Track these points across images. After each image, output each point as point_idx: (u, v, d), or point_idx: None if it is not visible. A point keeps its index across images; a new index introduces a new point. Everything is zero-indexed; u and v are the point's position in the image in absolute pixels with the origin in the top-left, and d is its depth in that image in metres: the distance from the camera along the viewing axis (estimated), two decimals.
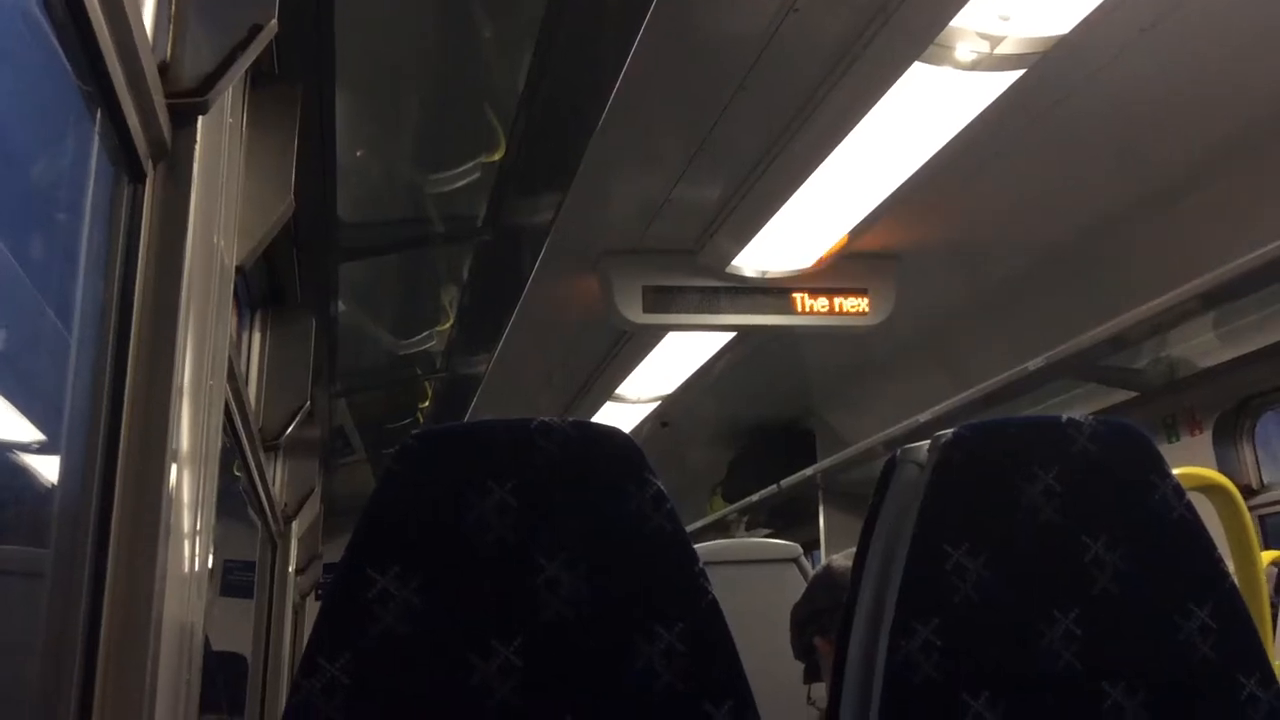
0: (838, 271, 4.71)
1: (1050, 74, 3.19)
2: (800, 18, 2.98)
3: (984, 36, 3.02)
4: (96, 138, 1.38)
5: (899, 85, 3.20)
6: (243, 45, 1.48)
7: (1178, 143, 3.67)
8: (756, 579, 3.50)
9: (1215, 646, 1.41)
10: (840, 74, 3.24)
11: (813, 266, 4.65)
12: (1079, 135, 3.65)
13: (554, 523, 1.36)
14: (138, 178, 1.43)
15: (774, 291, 4.76)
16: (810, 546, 7.33)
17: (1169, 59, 3.19)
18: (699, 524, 8.18)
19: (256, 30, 1.49)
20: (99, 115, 1.35)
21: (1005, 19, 2.95)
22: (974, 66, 3.12)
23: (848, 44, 3.11)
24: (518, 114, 3.02)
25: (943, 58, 3.09)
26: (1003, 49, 3.06)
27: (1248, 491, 4.16)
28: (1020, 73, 3.16)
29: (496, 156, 3.34)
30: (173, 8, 1.51)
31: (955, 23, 2.94)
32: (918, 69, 3.12)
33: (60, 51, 1.28)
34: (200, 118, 1.48)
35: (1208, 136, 3.62)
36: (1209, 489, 2.32)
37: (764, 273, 4.71)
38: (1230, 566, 1.50)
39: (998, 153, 3.71)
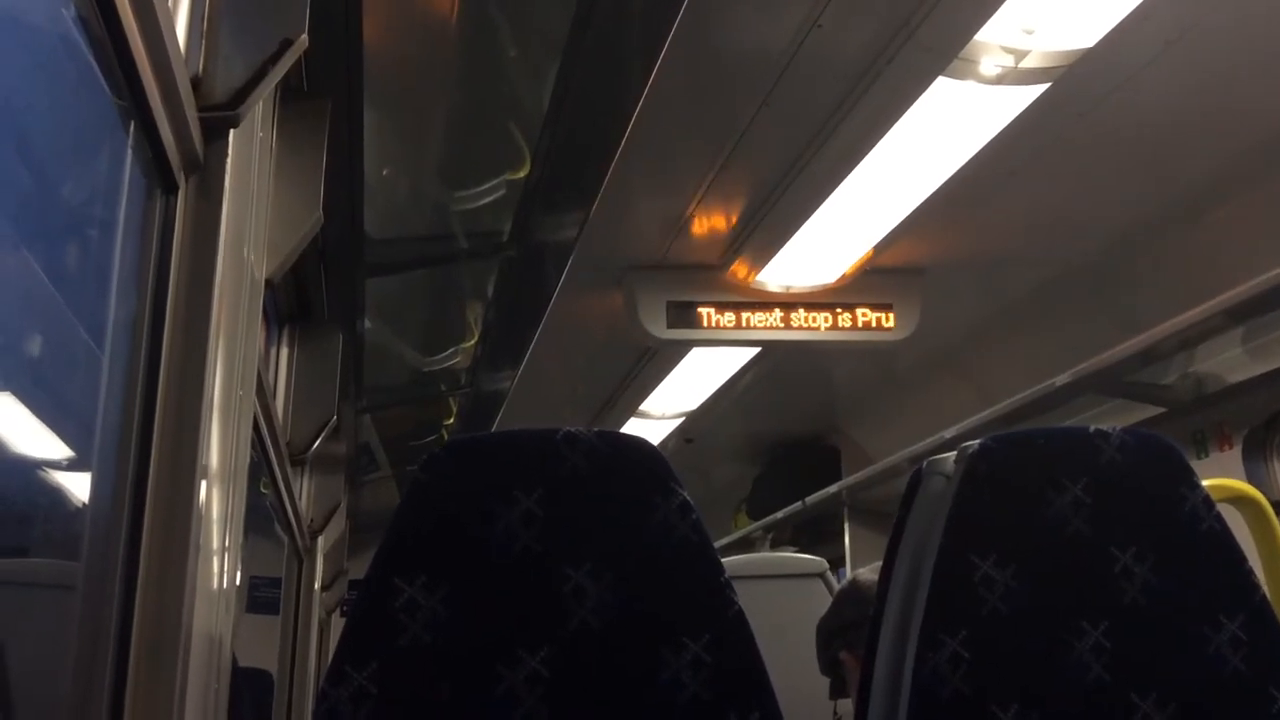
0: (862, 287, 4.70)
1: (1075, 87, 3.18)
2: (824, 34, 2.99)
3: (1008, 50, 3.02)
4: (130, 150, 1.40)
5: (923, 100, 3.20)
6: (273, 59, 1.50)
7: (1203, 156, 3.65)
8: (782, 594, 3.48)
9: (1246, 659, 1.39)
10: (864, 89, 3.24)
11: (837, 282, 4.65)
12: (1104, 149, 3.64)
13: (580, 532, 1.36)
14: (170, 190, 1.45)
15: (798, 307, 4.75)
16: (836, 564, 7.29)
17: (1194, 72, 3.18)
18: (724, 541, 8.15)
19: (287, 45, 1.51)
20: (132, 128, 1.37)
21: (1030, 33, 2.95)
22: (999, 81, 3.12)
23: (871, 59, 3.12)
24: (543, 131, 3.04)
25: (967, 72, 3.09)
26: (1027, 63, 3.06)
27: (1279, 508, 4.11)
28: (1045, 86, 3.15)
29: (522, 173, 3.36)
30: (205, 22, 1.53)
31: (979, 37, 2.95)
32: (942, 83, 3.12)
33: (95, 66, 1.30)
34: (232, 131, 1.50)
35: (1233, 150, 3.60)
36: (1239, 501, 2.30)
37: (788, 288, 4.71)
38: (1261, 579, 1.48)
39: (1023, 167, 3.70)
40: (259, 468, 3.01)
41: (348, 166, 2.62)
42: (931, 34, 2.93)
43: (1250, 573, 1.45)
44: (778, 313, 4.76)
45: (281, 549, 4.09)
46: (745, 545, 8.05)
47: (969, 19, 2.87)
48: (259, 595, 4.56)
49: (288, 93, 2.08)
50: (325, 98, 2.25)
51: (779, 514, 7.40)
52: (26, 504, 1.50)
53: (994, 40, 2.98)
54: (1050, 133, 3.48)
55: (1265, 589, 1.46)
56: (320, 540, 4.39)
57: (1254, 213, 3.81)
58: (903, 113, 3.28)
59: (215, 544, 1.58)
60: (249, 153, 1.64)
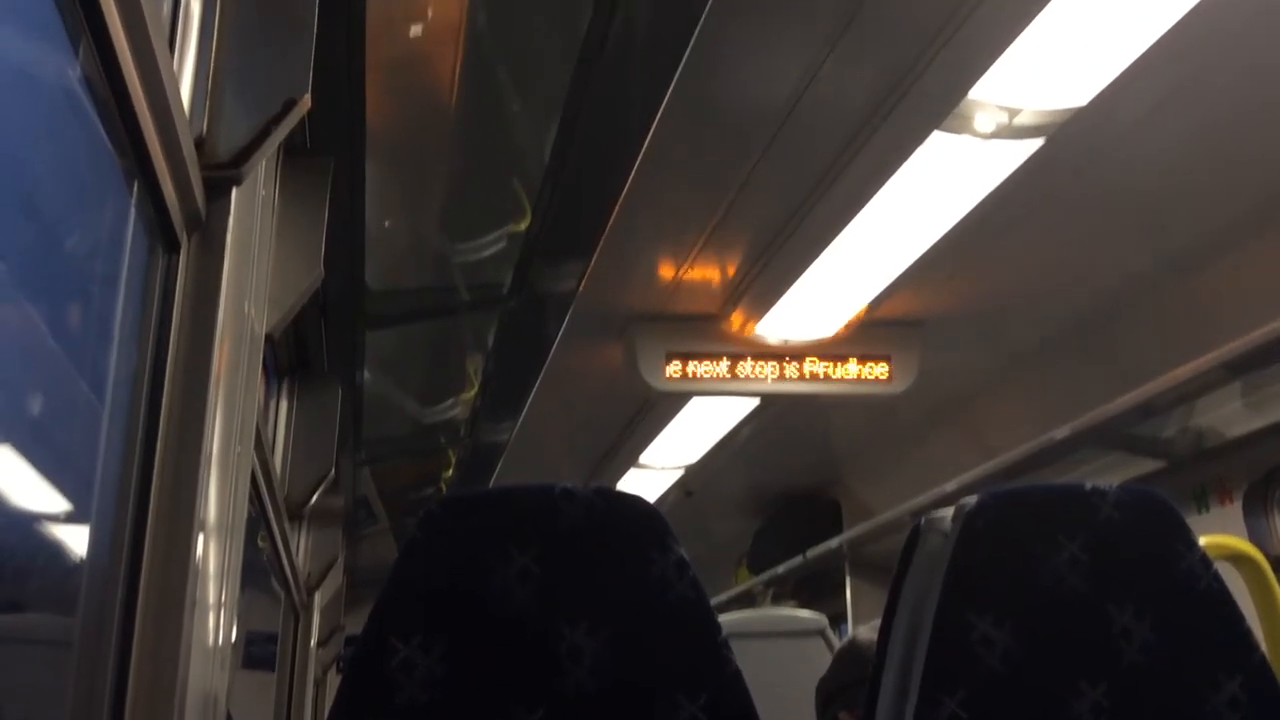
0: (861, 338, 4.71)
1: (1070, 143, 3.21)
2: (821, 88, 3.03)
3: (1003, 107, 3.05)
4: (133, 208, 1.41)
5: (919, 154, 3.23)
6: (277, 119, 1.52)
7: (1200, 211, 3.68)
8: (782, 652, 3.46)
9: None
10: (861, 143, 3.28)
11: (836, 334, 4.66)
12: (1101, 203, 3.67)
13: (576, 590, 1.36)
14: (172, 248, 1.46)
15: (797, 358, 4.76)
16: (838, 619, 7.24)
17: (1188, 129, 3.22)
18: (724, 596, 8.10)
19: (290, 105, 1.53)
20: (136, 187, 1.39)
21: (1024, 90, 2.99)
22: (993, 136, 3.15)
23: (868, 114, 3.15)
24: (544, 184, 3.07)
25: (962, 127, 3.12)
26: (1021, 119, 3.09)
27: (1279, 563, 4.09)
28: (1039, 142, 3.19)
29: (522, 225, 3.38)
30: (210, 82, 1.55)
31: (974, 93, 2.98)
32: (937, 138, 3.16)
33: (99, 125, 1.32)
34: (234, 189, 1.51)
35: (1230, 204, 3.62)
36: (1236, 559, 2.29)
37: (787, 340, 4.72)
38: (1260, 638, 1.47)
39: (1019, 220, 3.73)
40: (256, 522, 3.00)
41: (349, 221, 2.64)
42: (926, 89, 2.97)
43: (1249, 632, 1.44)
44: (777, 364, 4.77)
45: (278, 604, 4.07)
46: (746, 600, 8.00)
47: (963, 75, 2.91)
48: (255, 651, 4.53)
49: (291, 150, 2.11)
50: (328, 155, 2.27)
51: (779, 569, 7.36)
52: (24, 558, 1.49)
53: (988, 97, 3.02)
54: (1047, 187, 3.51)
55: (1264, 648, 1.45)
56: (317, 595, 4.36)
57: (1251, 266, 3.83)
58: (899, 166, 3.31)
59: (212, 599, 1.58)
60: (251, 210, 1.65)
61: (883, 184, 3.41)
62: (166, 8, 1.51)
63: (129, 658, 1.34)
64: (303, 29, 1.62)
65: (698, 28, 2.36)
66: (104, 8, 1.12)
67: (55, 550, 1.52)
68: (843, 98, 3.09)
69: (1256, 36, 2.83)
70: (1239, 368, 3.66)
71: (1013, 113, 3.06)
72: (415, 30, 2.41)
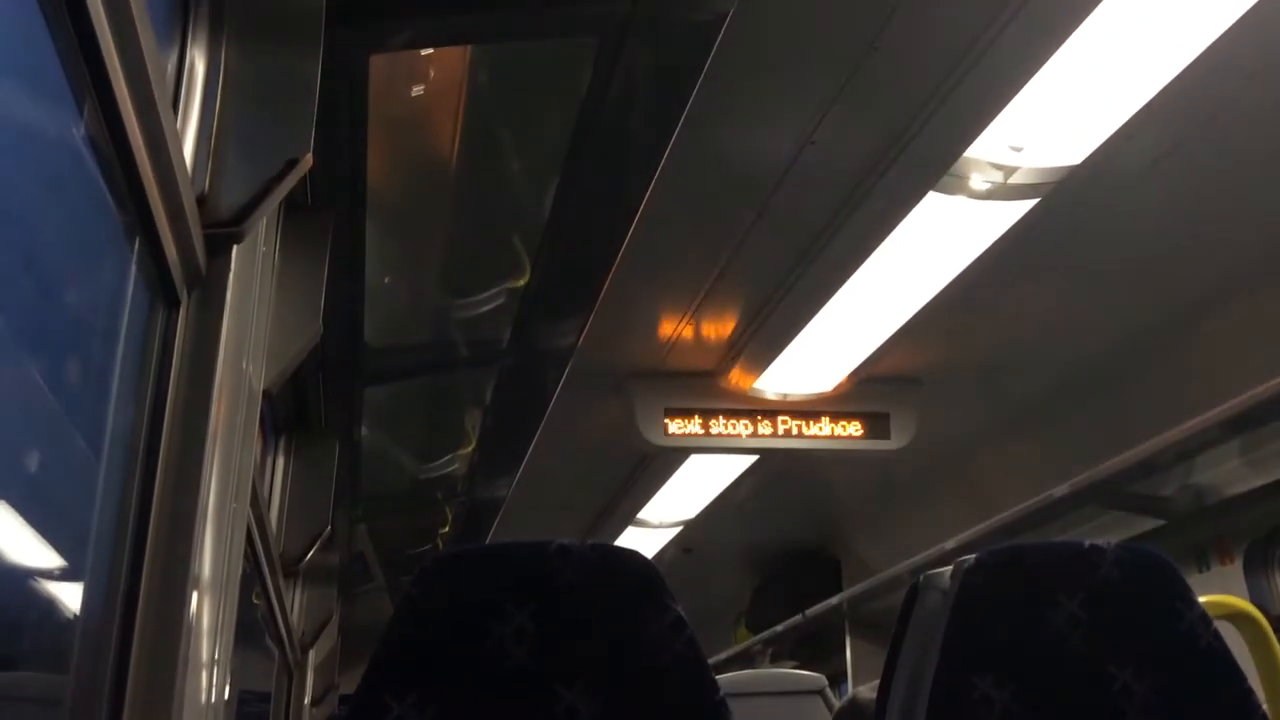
0: (859, 395, 4.72)
1: (1066, 202, 3.24)
2: (818, 149, 3.06)
3: (997, 167, 3.09)
4: (134, 265, 1.42)
5: (914, 214, 3.26)
6: (279, 177, 1.54)
7: (1196, 269, 3.70)
8: (781, 711, 3.43)
9: None
10: (857, 203, 3.31)
11: (834, 390, 4.67)
12: (1097, 261, 3.69)
13: (572, 648, 1.35)
14: (172, 304, 1.47)
15: (795, 414, 4.77)
16: (838, 678, 7.16)
17: (1183, 187, 3.25)
18: (724, 655, 8.02)
19: (292, 164, 1.54)
20: (137, 243, 1.39)
21: (1017, 150, 3.02)
22: (988, 196, 3.18)
23: (864, 174, 3.19)
24: (543, 241, 3.08)
25: (957, 187, 3.15)
26: (1016, 179, 3.13)
27: None
28: (1034, 202, 3.21)
29: (521, 282, 3.39)
30: (213, 140, 1.57)
31: (969, 153, 3.01)
32: (933, 198, 3.19)
33: (102, 182, 1.33)
34: (235, 246, 1.52)
35: (1225, 263, 3.65)
36: (1237, 618, 2.27)
37: (785, 395, 4.73)
38: (1260, 697, 1.46)
39: (1016, 278, 3.75)
40: (251, 578, 2.98)
41: (349, 278, 2.65)
42: (921, 150, 3.00)
43: (1250, 691, 1.43)
44: (775, 420, 4.77)
45: (271, 662, 4.02)
46: (745, 660, 7.92)
47: (958, 136, 2.95)
48: (248, 710, 4.47)
49: (291, 207, 2.12)
50: (328, 212, 2.29)
51: (779, 628, 7.30)
52: (16, 614, 1.48)
53: (983, 156, 3.05)
54: (1043, 246, 3.53)
55: (1265, 708, 1.44)
56: (311, 654, 4.32)
57: (1249, 324, 3.85)
58: (895, 226, 3.34)
59: (205, 657, 1.56)
60: (251, 267, 1.66)
61: (879, 243, 3.44)
62: (171, 66, 1.53)
63: (121, 716, 1.32)
64: (306, 88, 1.64)
65: (695, 89, 2.39)
66: (109, 66, 1.14)
67: (48, 606, 1.50)
68: (839, 158, 3.12)
69: (1249, 96, 2.86)
70: (1238, 426, 3.65)
71: (1008, 172, 3.09)
72: (417, 89, 2.44)
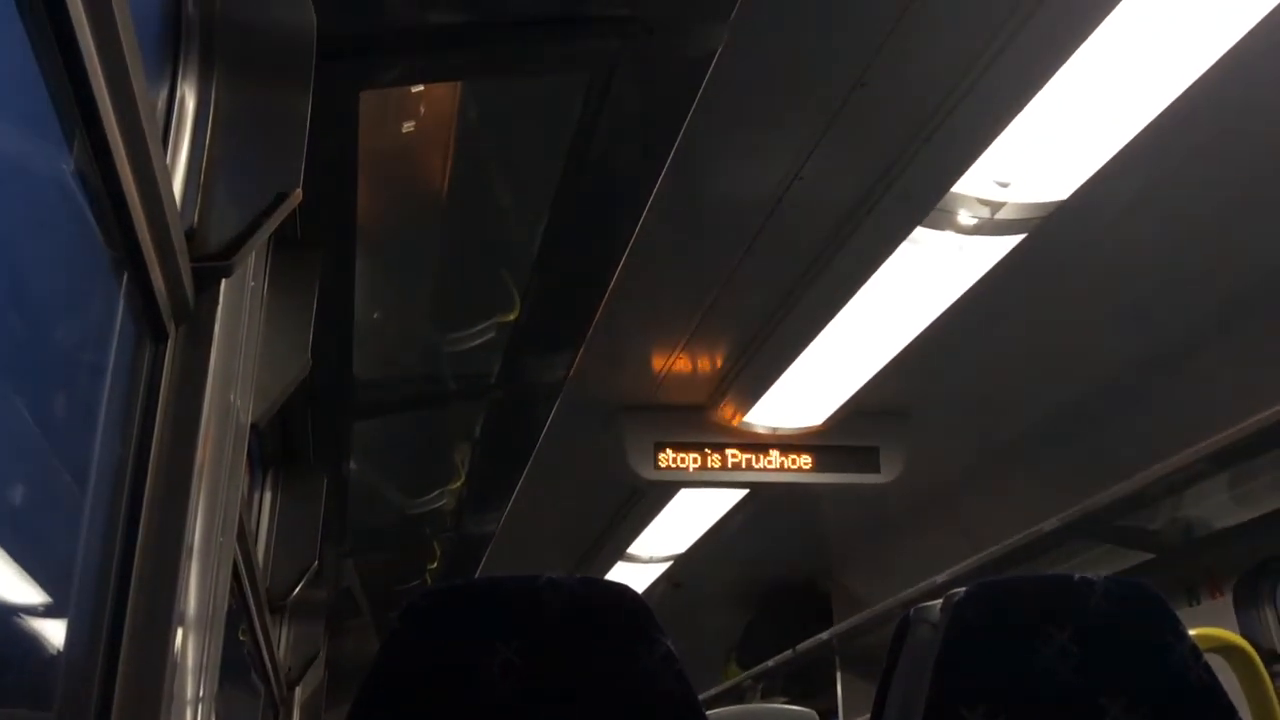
0: (849, 429, 4.72)
1: (1054, 237, 3.26)
2: (805, 185, 3.08)
3: (984, 202, 3.11)
4: (122, 299, 1.42)
5: (903, 248, 3.28)
6: (268, 212, 1.54)
7: (1184, 302, 3.72)
8: None
9: None
10: (845, 238, 3.32)
11: (823, 424, 4.67)
12: (1085, 295, 3.71)
13: (560, 684, 1.34)
14: (160, 338, 1.46)
15: (785, 448, 4.77)
16: (829, 714, 7.11)
17: (1170, 222, 3.27)
18: (714, 691, 7.96)
19: (282, 198, 1.55)
20: (125, 277, 1.39)
21: (1004, 185, 3.04)
22: (976, 231, 3.20)
23: (851, 210, 3.21)
24: (532, 274, 3.09)
25: (945, 222, 3.17)
26: (1003, 214, 3.15)
27: (1272, 656, 4.04)
28: (1022, 236, 3.23)
29: (511, 316, 3.40)
30: (202, 175, 1.57)
31: (956, 189, 3.03)
32: (920, 233, 3.21)
33: (91, 216, 1.33)
34: (223, 281, 1.52)
35: (1213, 297, 3.67)
36: (1226, 650, 2.26)
37: (775, 429, 4.73)
38: None
39: (1004, 312, 3.77)
40: (237, 614, 2.96)
41: (338, 312, 2.65)
42: (909, 186, 3.02)
43: None
44: (765, 454, 4.77)
45: (258, 699, 3.98)
46: (735, 695, 7.86)
47: (945, 172, 2.97)
48: None
49: (281, 242, 2.13)
50: (318, 247, 2.29)
51: (769, 663, 7.25)
52: None
53: (970, 192, 3.07)
54: (1030, 280, 3.55)
55: None
56: (298, 690, 4.28)
57: (1236, 358, 3.87)
58: (883, 260, 3.35)
59: (190, 693, 1.54)
60: (240, 302, 1.66)
61: (867, 278, 3.45)
62: (162, 101, 1.53)
63: None
64: (296, 123, 1.65)
65: (684, 125, 2.40)
66: (99, 101, 1.14)
67: (31, 643, 1.49)
68: (827, 194, 3.14)
69: (1233, 132, 2.89)
70: (1226, 460, 3.66)
71: (995, 207, 3.11)
72: (407, 125, 2.45)
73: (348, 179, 2.21)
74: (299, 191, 1.58)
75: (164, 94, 1.54)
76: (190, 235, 1.51)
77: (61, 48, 1.09)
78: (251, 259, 1.63)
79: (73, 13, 1.04)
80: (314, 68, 1.67)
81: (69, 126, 1.20)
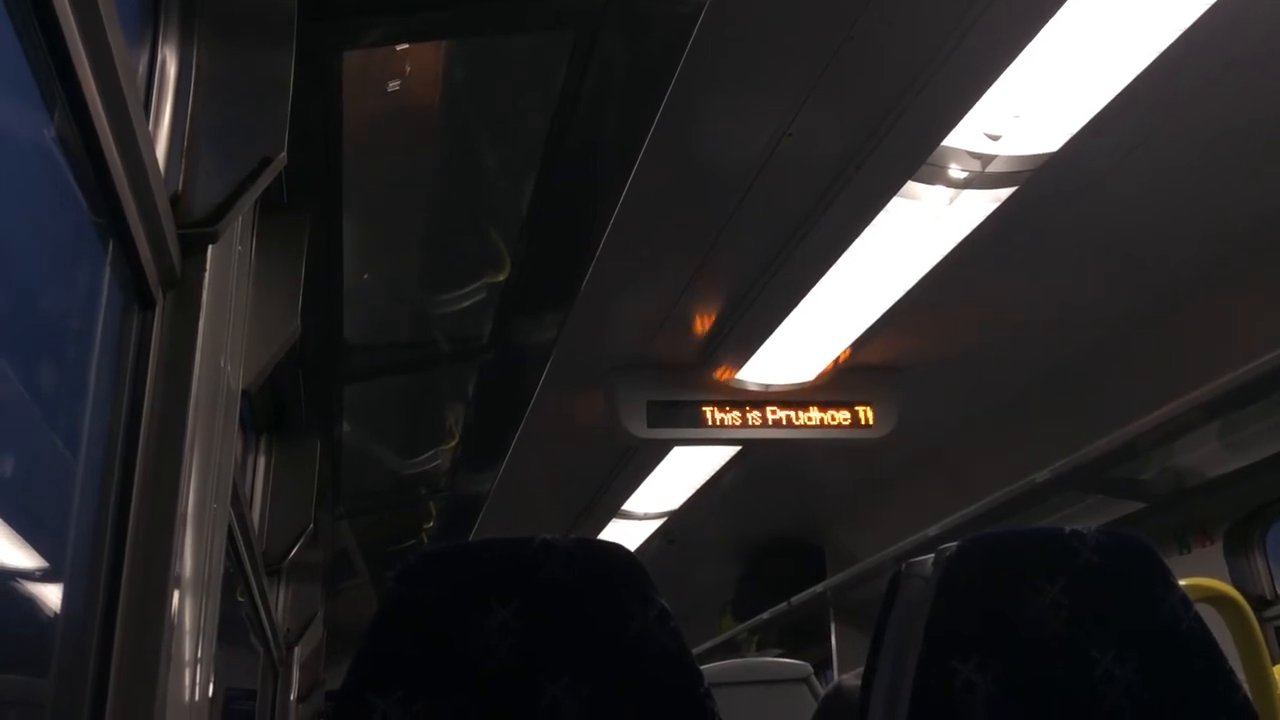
0: (840, 385, 4.73)
1: (1044, 190, 3.25)
2: (794, 142, 3.06)
3: (975, 155, 3.09)
4: (108, 267, 1.41)
5: (893, 203, 3.27)
6: (253, 176, 1.53)
7: (1173, 254, 3.73)
8: (767, 699, 3.44)
9: None
10: (835, 194, 3.31)
11: (815, 380, 4.67)
12: (1076, 247, 3.71)
13: (557, 643, 1.35)
14: (148, 305, 1.46)
15: (777, 404, 4.77)
16: (823, 666, 7.19)
17: (1160, 174, 3.26)
18: (709, 644, 8.04)
19: (267, 162, 1.54)
20: (111, 245, 1.39)
21: (995, 138, 3.03)
22: (966, 184, 3.19)
23: (841, 165, 3.19)
24: (522, 234, 3.08)
25: (935, 176, 3.16)
26: (994, 167, 3.13)
27: (1261, 603, 4.09)
28: (1012, 190, 3.22)
29: (501, 277, 3.39)
30: (185, 140, 1.56)
31: (946, 142, 3.02)
32: (911, 187, 3.19)
33: (75, 184, 1.32)
34: (210, 247, 1.52)
35: (1202, 248, 3.67)
36: (1217, 600, 2.29)
37: (767, 386, 4.73)
38: (1241, 678, 1.47)
39: (996, 265, 3.76)
40: (234, 577, 2.97)
41: (327, 276, 2.65)
42: (898, 140, 3.01)
43: (1231, 672, 1.44)
44: (757, 411, 4.78)
45: (256, 660, 4.02)
46: (731, 648, 7.94)
47: (935, 125, 2.95)
48: (234, 708, 4.46)
49: (267, 206, 2.11)
50: (305, 210, 2.28)
51: (764, 616, 7.32)
52: None
53: (960, 145, 3.06)
54: (1022, 233, 3.54)
55: (1246, 689, 1.45)
56: (296, 651, 4.31)
57: (1225, 308, 3.88)
58: (874, 216, 3.34)
59: (188, 656, 1.56)
60: (227, 267, 1.65)
61: (858, 232, 3.44)
62: (142, 66, 1.51)
63: (103, 717, 1.31)
64: (279, 86, 1.63)
65: (673, 81, 2.39)
66: (78, 67, 1.13)
67: (27, 608, 1.49)
68: (817, 148, 3.13)
69: (1224, 83, 2.88)
70: (1216, 409, 3.68)
71: (985, 160, 3.10)
72: (392, 85, 2.43)
73: (333, 141, 2.20)
74: (284, 155, 1.57)
75: (145, 59, 1.53)
76: (175, 201, 1.50)
77: (39, 13, 1.07)
78: (238, 224, 1.62)
79: None
80: (296, 29, 1.65)
81: (49, 94, 1.19)
